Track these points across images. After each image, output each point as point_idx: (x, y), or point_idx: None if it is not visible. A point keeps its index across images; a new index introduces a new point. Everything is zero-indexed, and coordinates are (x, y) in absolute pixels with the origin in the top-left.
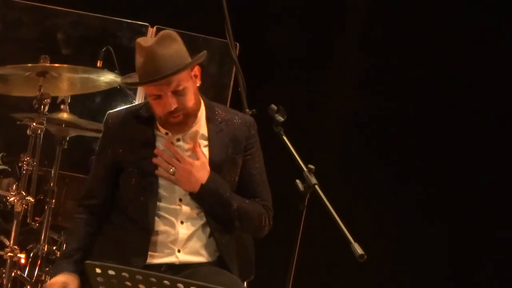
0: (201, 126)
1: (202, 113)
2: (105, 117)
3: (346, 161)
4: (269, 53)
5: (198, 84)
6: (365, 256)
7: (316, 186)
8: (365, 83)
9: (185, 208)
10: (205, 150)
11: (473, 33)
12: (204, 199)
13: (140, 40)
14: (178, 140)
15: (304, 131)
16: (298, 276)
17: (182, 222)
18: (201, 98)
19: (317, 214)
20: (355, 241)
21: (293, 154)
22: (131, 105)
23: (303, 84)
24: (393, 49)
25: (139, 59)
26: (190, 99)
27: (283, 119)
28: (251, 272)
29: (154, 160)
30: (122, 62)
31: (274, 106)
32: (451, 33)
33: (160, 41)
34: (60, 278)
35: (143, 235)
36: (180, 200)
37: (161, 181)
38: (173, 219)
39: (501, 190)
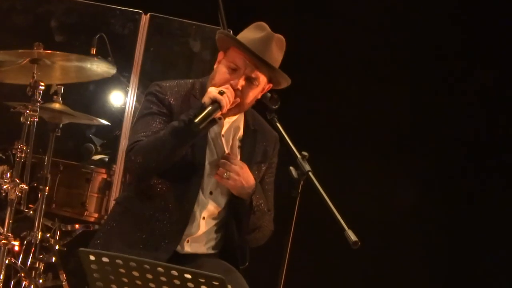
0: (240, 128)
1: (242, 116)
2: (155, 85)
3: (339, 148)
4: None
5: (258, 97)
6: (359, 243)
7: (310, 173)
8: (358, 68)
9: (210, 204)
10: (238, 151)
11: None
12: (249, 205)
13: (263, 23)
14: (223, 136)
15: (298, 118)
16: (292, 263)
17: (203, 218)
18: None
19: (311, 201)
20: (349, 228)
21: (287, 141)
22: (176, 81)
23: (296, 71)
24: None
25: (253, 34)
26: (250, 97)
27: (276, 106)
28: (246, 259)
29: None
30: (115, 49)
31: (267, 94)
32: None
33: (278, 39)
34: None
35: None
36: (211, 193)
37: (206, 169)
38: (197, 212)
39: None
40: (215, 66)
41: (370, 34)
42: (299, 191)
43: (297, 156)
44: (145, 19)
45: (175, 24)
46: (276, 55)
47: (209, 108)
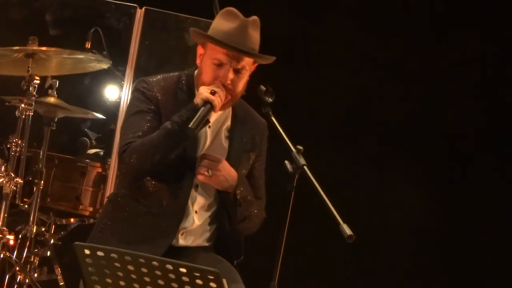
0: (228, 118)
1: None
2: (141, 81)
3: (335, 141)
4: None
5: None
6: (354, 237)
7: (305, 167)
8: (352, 62)
9: (199, 197)
10: (226, 140)
11: None
12: (234, 198)
13: (234, 9)
14: (209, 127)
15: (293, 112)
16: (287, 256)
17: (196, 212)
18: None
19: (305, 195)
20: (343, 222)
21: (282, 135)
22: (162, 75)
23: (291, 65)
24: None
25: (227, 24)
26: (241, 85)
27: (271, 100)
28: (241, 253)
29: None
30: (110, 43)
31: (262, 87)
32: None
33: (253, 23)
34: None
35: (175, 216)
36: (196, 186)
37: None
38: (190, 206)
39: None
40: (197, 62)
41: (370, 32)
42: (294, 185)
43: (292, 150)
44: (140, 13)
45: (170, 18)
46: (255, 39)
47: (202, 109)
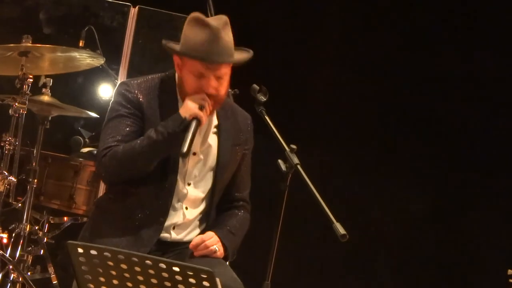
0: (214, 115)
1: None
2: (123, 84)
3: (328, 140)
4: (251, 32)
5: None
6: (347, 236)
7: (298, 166)
8: (346, 61)
9: (190, 194)
10: (215, 137)
11: None
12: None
13: (200, 16)
14: None
15: (286, 111)
16: (280, 256)
17: (186, 208)
18: None
19: (299, 194)
20: (337, 221)
21: (276, 134)
22: (144, 77)
23: (285, 63)
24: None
25: (199, 35)
26: (225, 87)
27: (265, 99)
28: (234, 253)
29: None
30: (104, 42)
31: (256, 86)
32: None
33: (224, 26)
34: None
35: (161, 209)
36: (189, 184)
37: (181, 162)
38: (178, 204)
39: None
40: (176, 72)
41: (370, 31)
42: (287, 184)
43: (285, 149)
44: (133, 11)
45: (164, 16)
46: (229, 43)
47: (193, 129)
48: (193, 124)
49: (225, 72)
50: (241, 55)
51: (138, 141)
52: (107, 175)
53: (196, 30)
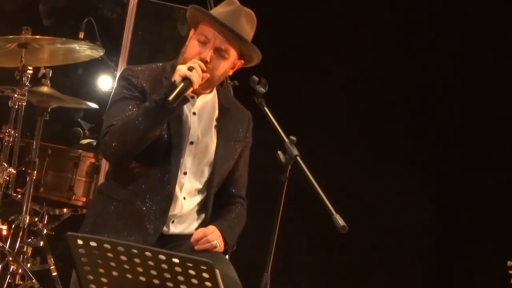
0: (216, 108)
1: (215, 96)
2: (127, 69)
3: (328, 132)
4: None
5: (229, 73)
6: (347, 228)
7: (298, 158)
8: (346, 55)
9: (187, 183)
10: (214, 131)
11: None
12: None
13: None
14: (194, 114)
15: (286, 103)
16: (280, 247)
17: (184, 198)
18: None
19: (298, 186)
20: (336, 212)
21: (275, 125)
22: (147, 65)
23: (285, 56)
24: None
25: (225, 7)
26: (220, 70)
27: (264, 91)
28: (232, 247)
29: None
30: (103, 34)
31: (255, 78)
32: None
33: (247, 13)
34: None
35: (164, 201)
36: (185, 173)
37: (185, 150)
38: (178, 193)
39: None
40: (186, 44)
41: (370, 30)
42: (287, 175)
43: (285, 141)
44: (133, 3)
45: (163, 8)
46: (246, 28)
47: (181, 85)
48: (184, 82)
49: (227, 48)
50: (250, 44)
51: (134, 113)
52: (111, 152)
53: (222, 6)
